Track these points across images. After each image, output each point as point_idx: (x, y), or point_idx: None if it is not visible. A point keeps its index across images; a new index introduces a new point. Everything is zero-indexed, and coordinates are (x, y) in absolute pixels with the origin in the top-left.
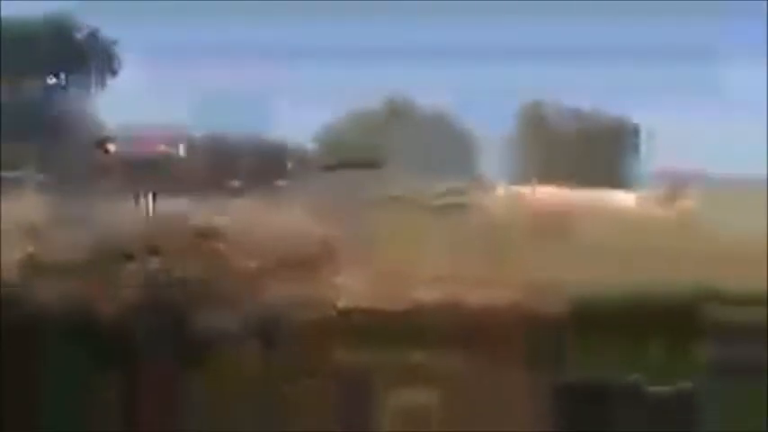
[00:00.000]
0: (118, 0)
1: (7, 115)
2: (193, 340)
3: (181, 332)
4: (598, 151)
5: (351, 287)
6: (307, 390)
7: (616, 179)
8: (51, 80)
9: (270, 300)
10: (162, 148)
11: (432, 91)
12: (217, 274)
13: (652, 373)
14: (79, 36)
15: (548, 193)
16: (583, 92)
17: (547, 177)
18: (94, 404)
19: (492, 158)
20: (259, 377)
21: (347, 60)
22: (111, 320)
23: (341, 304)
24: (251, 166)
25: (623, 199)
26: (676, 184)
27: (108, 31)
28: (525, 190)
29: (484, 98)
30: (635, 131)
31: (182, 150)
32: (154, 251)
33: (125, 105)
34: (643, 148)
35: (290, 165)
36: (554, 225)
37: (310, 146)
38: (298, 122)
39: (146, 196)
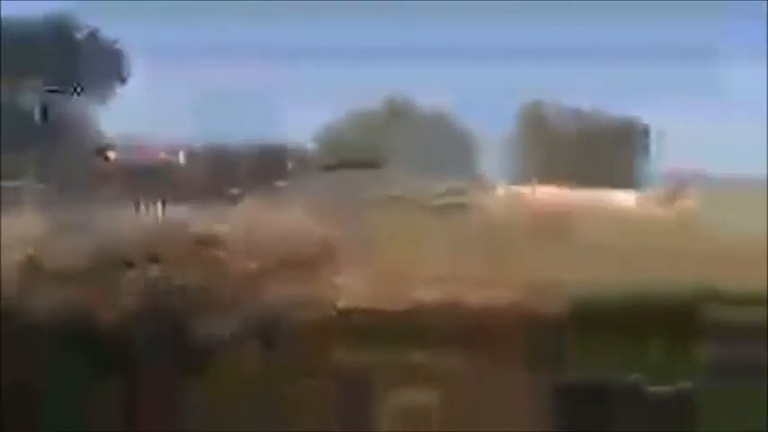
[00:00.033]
0: (117, 0)
1: (7, 122)
2: (193, 347)
3: (181, 339)
4: (598, 151)
5: (351, 287)
6: (307, 390)
7: (616, 179)
8: (52, 85)
9: (270, 300)
10: (162, 155)
11: (431, 91)
12: (217, 282)
13: (652, 373)
14: (79, 37)
15: (548, 193)
16: (583, 92)
17: (547, 177)
18: (95, 411)
19: (492, 158)
20: (259, 378)
21: (347, 60)
22: (112, 327)
23: (341, 304)
24: (251, 167)
25: (623, 199)
26: (676, 184)
27: (108, 32)
28: (525, 190)
29: (484, 98)
30: (635, 131)
31: (182, 158)
32: (154, 259)
33: (125, 107)
34: (643, 148)
35: (290, 165)
36: (554, 225)
37: (310, 146)
38: (298, 122)
39: (146, 204)
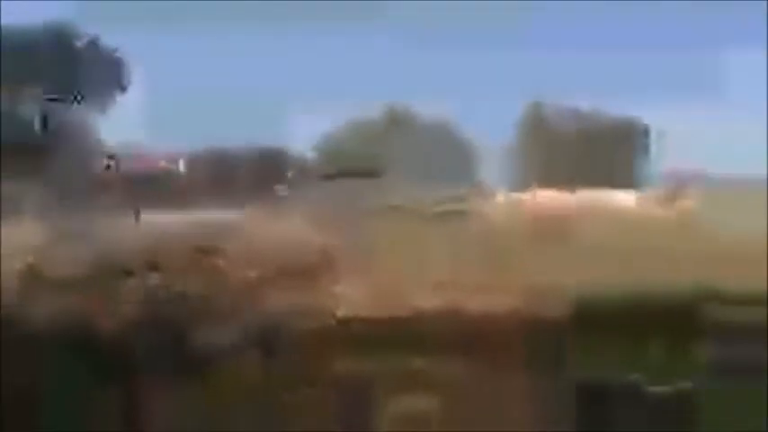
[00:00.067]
0: (116, 1)
1: (7, 130)
2: (193, 356)
3: (180, 348)
4: (598, 151)
5: (350, 296)
6: (307, 398)
7: (616, 179)
8: (52, 93)
9: (270, 309)
10: (162, 164)
11: (431, 99)
12: (217, 290)
13: (652, 373)
14: (79, 45)
15: (548, 197)
16: (583, 92)
17: (547, 180)
18: (95, 418)
19: (491, 165)
20: (259, 386)
21: (347, 69)
22: (112, 336)
23: (341, 313)
24: (251, 175)
25: (623, 199)
26: (676, 184)
27: (108, 40)
28: (525, 196)
29: (483, 106)
30: (635, 131)
31: (182, 166)
32: (154, 267)
33: (124, 115)
34: (643, 148)
35: (290, 174)
36: (554, 229)
37: (310, 155)
38: (298, 131)
39: (146, 212)
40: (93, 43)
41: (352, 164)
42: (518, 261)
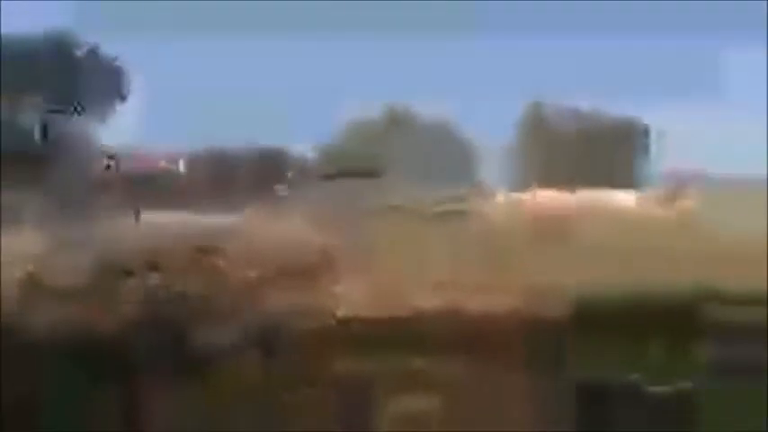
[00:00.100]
0: (116, 7)
1: (7, 139)
2: (193, 356)
3: (181, 348)
4: (598, 151)
5: (350, 296)
6: (307, 398)
7: (616, 179)
8: (52, 102)
9: (270, 309)
10: (162, 164)
11: (431, 99)
12: (217, 290)
13: (652, 373)
14: (79, 54)
15: (548, 197)
16: (583, 92)
17: (547, 180)
18: (97, 419)
19: (491, 165)
20: (259, 386)
21: (347, 69)
22: (112, 337)
23: (341, 313)
24: (251, 175)
25: (623, 199)
26: (676, 184)
27: (108, 48)
28: (525, 195)
29: (483, 106)
30: (635, 131)
31: (182, 166)
32: (154, 267)
33: (124, 115)
34: (643, 148)
35: (289, 174)
36: (554, 229)
37: (310, 155)
38: (298, 132)
39: (146, 212)
40: (93, 52)
41: (352, 164)
42: (518, 261)
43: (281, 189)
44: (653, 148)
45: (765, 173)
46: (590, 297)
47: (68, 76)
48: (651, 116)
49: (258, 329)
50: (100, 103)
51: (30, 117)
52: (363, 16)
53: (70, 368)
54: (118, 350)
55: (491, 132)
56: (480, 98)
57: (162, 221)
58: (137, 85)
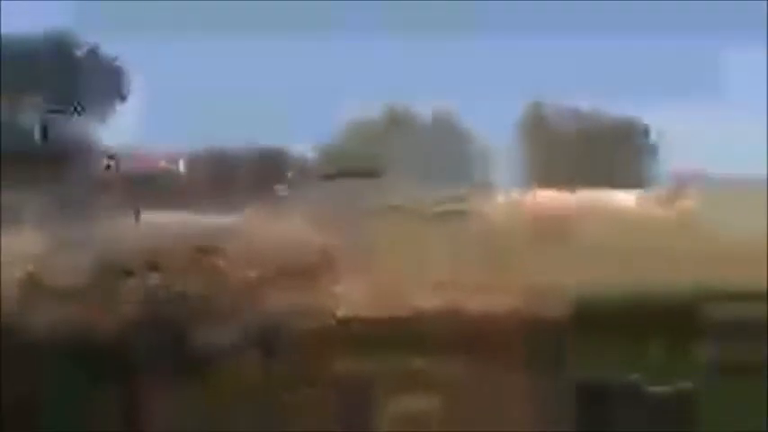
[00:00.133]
0: (116, 6)
1: (7, 139)
2: (193, 356)
3: (181, 348)
4: (598, 151)
5: (351, 296)
6: (307, 398)
7: (616, 179)
8: (52, 102)
9: (270, 309)
10: (162, 164)
11: (431, 99)
12: (217, 290)
13: (652, 373)
14: (79, 54)
15: (548, 197)
16: (583, 92)
17: (547, 180)
18: (97, 419)
19: (491, 165)
20: (260, 386)
21: (347, 69)
22: (112, 338)
23: (341, 313)
24: (251, 175)
25: (623, 199)
26: (676, 184)
27: (108, 48)
28: (525, 195)
29: (483, 105)
30: (635, 131)
31: (181, 166)
32: (154, 267)
33: (124, 115)
34: (643, 148)
35: (289, 174)
36: (554, 229)
37: (310, 155)
38: (298, 131)
39: (146, 212)
40: (93, 52)
41: (352, 164)
42: (518, 261)
43: (281, 189)
44: (653, 148)
45: (765, 173)
46: (590, 297)
47: (68, 76)
48: (651, 116)
49: (258, 329)
50: (100, 103)
51: (30, 117)
52: (363, 16)
53: (70, 368)
54: (118, 350)
55: (491, 132)
56: (480, 98)
57: (162, 221)
58: (137, 85)
